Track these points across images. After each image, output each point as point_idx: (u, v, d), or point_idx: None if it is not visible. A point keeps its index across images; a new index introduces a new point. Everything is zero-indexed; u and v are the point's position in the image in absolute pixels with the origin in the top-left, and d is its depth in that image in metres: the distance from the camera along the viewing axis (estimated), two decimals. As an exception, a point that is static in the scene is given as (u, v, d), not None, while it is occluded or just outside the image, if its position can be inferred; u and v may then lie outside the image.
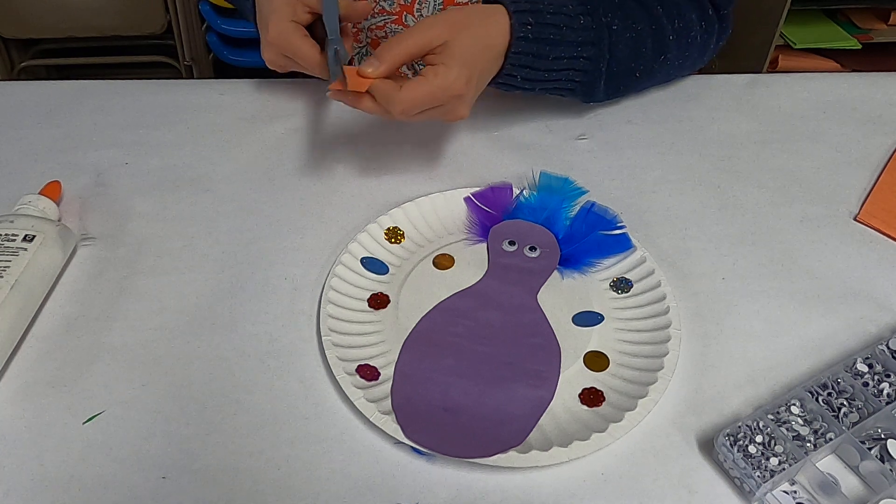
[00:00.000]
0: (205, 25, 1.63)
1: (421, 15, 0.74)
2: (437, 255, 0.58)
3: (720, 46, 0.76)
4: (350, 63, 0.59)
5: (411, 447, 0.45)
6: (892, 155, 0.69)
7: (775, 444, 0.43)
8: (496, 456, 0.43)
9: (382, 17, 0.76)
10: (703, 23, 0.71)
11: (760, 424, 0.44)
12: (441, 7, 0.74)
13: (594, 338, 0.52)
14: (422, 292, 0.55)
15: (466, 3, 0.72)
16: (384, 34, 0.76)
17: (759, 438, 0.44)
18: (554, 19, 0.61)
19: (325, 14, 0.58)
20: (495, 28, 0.59)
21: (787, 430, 0.45)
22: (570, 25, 0.62)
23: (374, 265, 0.57)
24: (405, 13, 0.75)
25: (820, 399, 0.46)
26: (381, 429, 0.45)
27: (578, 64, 0.64)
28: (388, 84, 0.54)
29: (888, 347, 0.49)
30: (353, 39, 0.79)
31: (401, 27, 0.75)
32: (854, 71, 1.30)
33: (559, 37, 0.62)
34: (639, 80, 0.70)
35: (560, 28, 0.62)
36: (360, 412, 0.46)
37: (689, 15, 0.69)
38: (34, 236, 0.55)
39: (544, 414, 0.47)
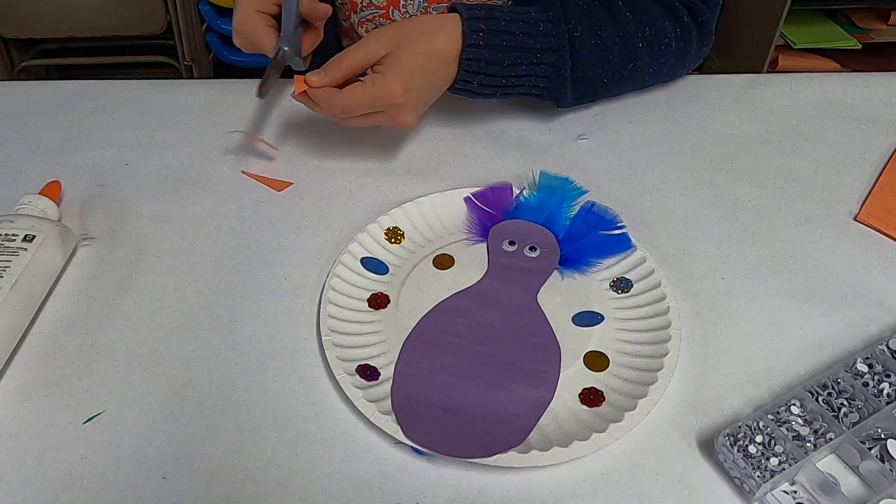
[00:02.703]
0: (205, 25, 1.63)
1: (406, 10, 0.75)
2: (437, 255, 0.58)
3: (704, 54, 0.75)
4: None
5: (411, 447, 0.45)
6: (892, 155, 0.69)
7: (775, 444, 0.44)
8: (496, 456, 0.43)
9: (371, 11, 0.76)
10: (678, 30, 0.70)
11: (760, 424, 0.44)
12: (426, 4, 0.74)
13: (594, 338, 0.52)
14: (422, 292, 0.55)
15: (447, 2, 0.73)
16: (374, 26, 0.77)
17: (759, 438, 0.44)
18: (509, 26, 0.63)
19: (284, 12, 0.62)
20: (442, 36, 0.61)
21: (787, 430, 0.45)
22: (527, 32, 0.63)
23: (374, 265, 0.57)
24: (392, 7, 0.75)
25: (820, 399, 0.46)
26: (381, 429, 0.45)
27: (540, 70, 0.65)
28: (326, 89, 0.60)
29: (888, 347, 0.49)
30: (344, 35, 0.80)
31: (388, 21, 0.76)
32: (854, 71, 1.30)
33: (514, 43, 0.63)
34: (608, 87, 0.70)
35: (515, 35, 0.63)
36: (360, 412, 0.46)
37: (662, 23, 0.69)
38: (34, 236, 0.55)
39: (544, 414, 0.47)
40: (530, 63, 0.64)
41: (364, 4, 0.76)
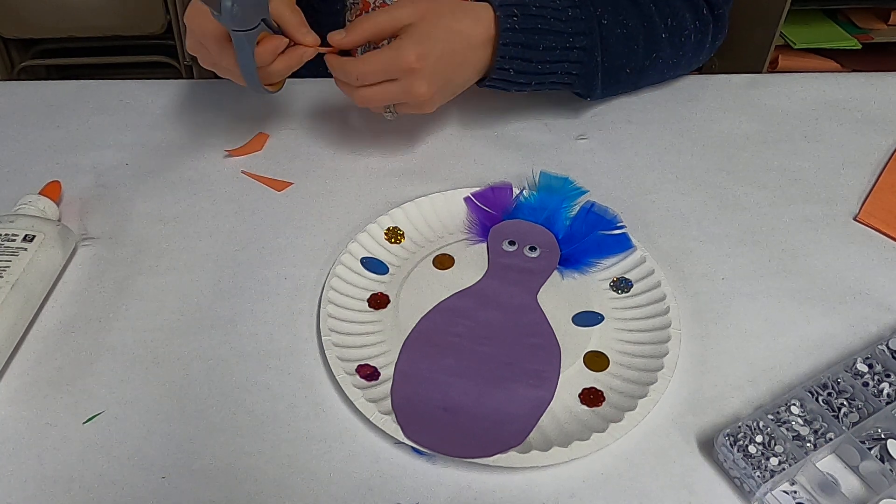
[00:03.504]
0: (205, 25, 1.63)
1: None
2: (437, 255, 0.58)
3: (717, 47, 0.75)
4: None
5: (411, 447, 0.45)
6: (892, 155, 0.69)
7: (775, 444, 0.43)
8: (496, 456, 0.43)
9: None
10: (697, 22, 0.70)
11: (760, 424, 0.44)
12: None
13: (594, 338, 0.52)
14: (422, 292, 0.55)
15: None
16: None
17: (759, 438, 0.44)
18: (540, 11, 0.62)
19: None
20: (471, 19, 0.61)
21: (787, 430, 0.45)
22: (558, 17, 0.63)
23: (374, 265, 0.57)
24: None
25: (820, 399, 0.46)
26: (381, 429, 0.45)
27: (573, 55, 0.64)
28: (343, 58, 0.59)
29: (888, 347, 0.49)
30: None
31: None
32: (854, 71, 1.30)
33: (547, 27, 0.62)
34: (630, 78, 0.70)
35: (547, 19, 0.62)
36: (360, 412, 0.46)
37: (683, 14, 0.69)
38: (34, 236, 0.55)
39: (544, 414, 0.47)
40: (563, 48, 0.63)
41: (377, 5, 0.76)
